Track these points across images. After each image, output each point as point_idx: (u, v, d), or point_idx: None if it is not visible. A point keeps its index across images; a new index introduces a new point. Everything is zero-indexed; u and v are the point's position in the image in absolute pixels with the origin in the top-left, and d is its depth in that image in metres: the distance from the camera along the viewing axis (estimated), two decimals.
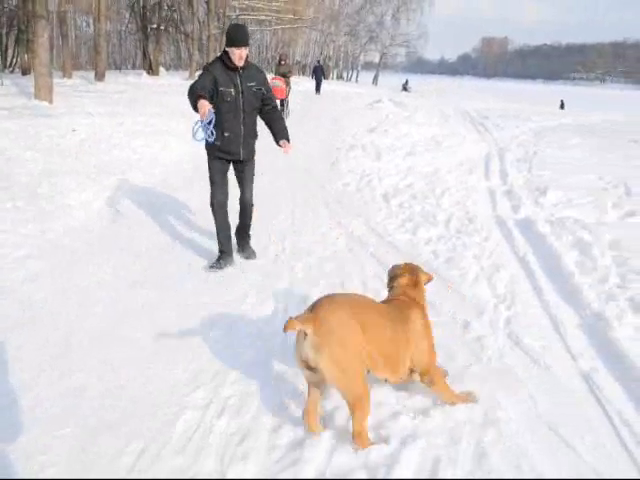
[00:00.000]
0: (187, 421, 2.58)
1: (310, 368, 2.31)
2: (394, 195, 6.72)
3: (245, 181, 4.53)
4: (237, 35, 4.12)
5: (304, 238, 5.26)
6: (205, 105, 3.89)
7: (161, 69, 31.56)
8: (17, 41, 35.19)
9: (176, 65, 45.29)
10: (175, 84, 25.34)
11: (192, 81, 4.40)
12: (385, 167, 8.26)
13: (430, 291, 3.97)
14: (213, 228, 4.63)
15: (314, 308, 2.36)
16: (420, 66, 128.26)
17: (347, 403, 2.34)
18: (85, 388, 2.84)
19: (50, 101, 13.39)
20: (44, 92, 13.41)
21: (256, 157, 4.60)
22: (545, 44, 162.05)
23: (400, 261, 3.06)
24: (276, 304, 3.84)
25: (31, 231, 5.14)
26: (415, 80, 57.68)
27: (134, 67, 46.13)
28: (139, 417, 2.61)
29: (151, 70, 30.25)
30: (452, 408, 2.63)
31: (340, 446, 2.38)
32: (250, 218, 4.69)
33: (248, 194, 4.56)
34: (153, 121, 11.46)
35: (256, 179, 4.63)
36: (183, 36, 39.69)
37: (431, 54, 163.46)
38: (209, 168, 4.45)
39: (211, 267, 4.47)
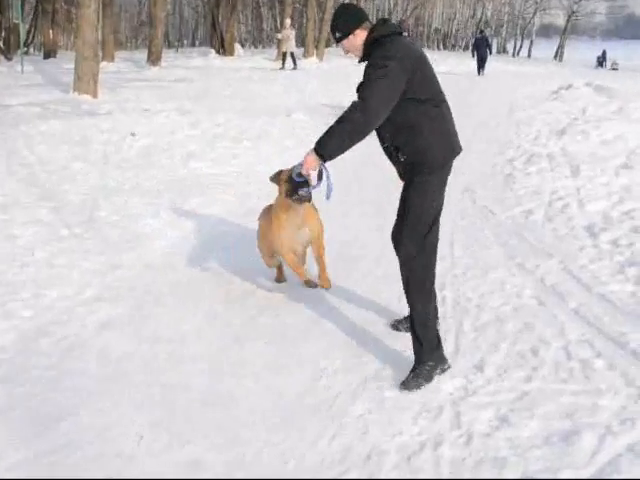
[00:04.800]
0: None
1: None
2: (605, 228, 6.95)
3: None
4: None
5: (471, 286, 5.68)
6: None
7: (237, 46, 33.84)
8: (36, 13, 38.87)
9: (255, 40, 48.11)
10: (259, 67, 27.03)
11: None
12: (588, 186, 8.50)
13: None
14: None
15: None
16: (631, 28, 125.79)
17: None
18: (199, 462, 3.40)
19: (94, 94, 14.96)
20: (87, 82, 14.94)
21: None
22: None
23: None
24: (441, 372, 4.24)
25: (97, 266, 6.03)
26: (622, 50, 56.77)
27: (194, 44, 49.62)
28: None
29: (223, 48, 32.53)
30: None
31: None
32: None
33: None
34: (238, 122, 12.55)
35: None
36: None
37: None
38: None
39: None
